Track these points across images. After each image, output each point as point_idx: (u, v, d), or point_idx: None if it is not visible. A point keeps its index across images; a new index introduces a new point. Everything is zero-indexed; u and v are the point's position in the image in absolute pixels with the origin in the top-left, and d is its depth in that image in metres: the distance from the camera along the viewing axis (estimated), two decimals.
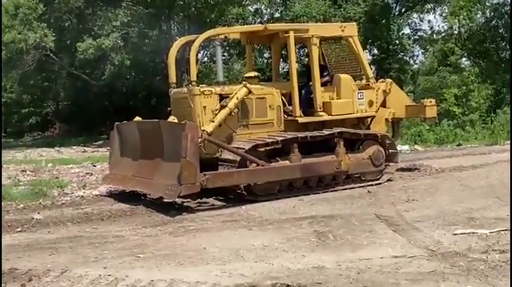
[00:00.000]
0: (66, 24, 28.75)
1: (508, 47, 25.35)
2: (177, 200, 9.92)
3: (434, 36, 29.49)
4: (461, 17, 25.85)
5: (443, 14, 28.34)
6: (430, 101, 12.19)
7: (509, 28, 24.36)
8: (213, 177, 9.04)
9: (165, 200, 9.46)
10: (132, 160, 10.31)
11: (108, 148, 12.24)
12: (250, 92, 9.85)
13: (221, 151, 9.67)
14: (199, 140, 8.91)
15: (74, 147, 24.55)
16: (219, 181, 9.15)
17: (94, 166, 15.02)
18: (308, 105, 10.80)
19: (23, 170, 14.46)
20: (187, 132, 8.59)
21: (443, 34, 28.83)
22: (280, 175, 9.71)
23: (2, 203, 9.92)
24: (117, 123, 11.08)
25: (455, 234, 6.91)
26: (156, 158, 9.57)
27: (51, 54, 26.45)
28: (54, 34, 25.23)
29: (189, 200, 9.83)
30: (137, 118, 10.85)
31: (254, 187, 9.53)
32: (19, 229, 8.13)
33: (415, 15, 29.62)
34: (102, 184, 11.45)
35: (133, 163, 10.22)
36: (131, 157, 10.38)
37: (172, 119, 10.08)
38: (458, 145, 18.15)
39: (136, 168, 10.08)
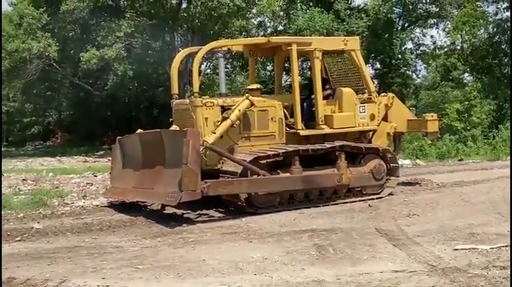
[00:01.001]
0: (70, 34, 28.85)
1: (510, 63, 25.38)
2: (176, 211, 9.97)
3: (437, 51, 29.53)
4: (464, 32, 25.95)
5: (446, 29, 28.40)
6: (432, 116, 12.19)
7: (510, 44, 24.41)
8: (214, 185, 9.03)
9: (165, 207, 9.43)
10: (134, 171, 10.32)
11: (110, 158, 12.25)
12: (252, 104, 9.87)
13: (222, 163, 9.67)
14: (201, 148, 8.90)
15: (75, 157, 24.60)
16: (220, 189, 9.14)
17: (95, 176, 15.03)
18: (310, 118, 10.81)
19: (23, 179, 14.47)
20: (188, 139, 8.59)
21: (445, 49, 28.92)
22: (281, 185, 9.71)
23: (2, 212, 9.93)
24: (119, 137, 11.10)
25: (455, 249, 6.89)
26: (158, 167, 9.57)
27: (55, 64, 26.55)
28: (57, 44, 25.35)
29: (189, 211, 9.84)
30: (139, 131, 10.87)
31: (254, 199, 9.52)
32: (18, 238, 8.12)
33: (417, 30, 29.68)
34: (103, 196, 11.44)
35: (135, 174, 10.22)
36: (133, 168, 10.40)
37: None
38: (459, 160, 18.14)
39: (137, 179, 10.09)
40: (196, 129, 9.37)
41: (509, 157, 17.20)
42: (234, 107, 9.77)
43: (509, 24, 25.47)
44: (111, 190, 11.01)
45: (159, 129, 10.33)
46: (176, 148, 8.89)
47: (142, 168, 10.10)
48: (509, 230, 7.37)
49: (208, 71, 30.27)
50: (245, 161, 9.40)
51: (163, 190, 9.14)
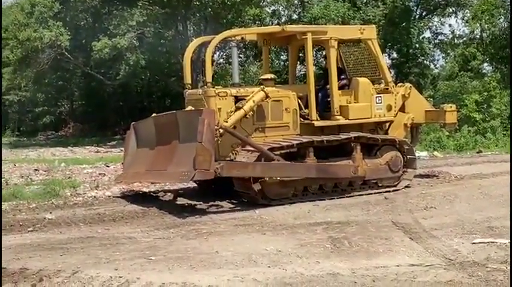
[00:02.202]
0: (82, 23, 29.01)
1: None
2: (189, 202, 10.01)
3: (456, 40, 29.33)
4: (483, 21, 25.67)
5: (465, 18, 28.17)
6: (451, 107, 12.10)
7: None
8: (227, 166, 9.04)
9: (177, 197, 9.39)
10: (147, 154, 10.34)
11: (122, 149, 12.30)
12: (267, 96, 9.84)
13: (235, 154, 9.68)
14: (216, 128, 8.90)
15: (88, 147, 24.74)
16: (233, 171, 9.15)
17: (107, 166, 15.11)
18: (325, 108, 10.77)
19: (35, 169, 14.59)
20: (204, 117, 8.60)
21: (464, 38, 28.68)
22: (295, 172, 9.69)
23: (14, 202, 10.04)
24: (133, 123, 11.14)
25: (474, 243, 6.86)
26: (171, 147, 9.57)
27: (66, 53, 26.70)
28: (69, 33, 25.48)
29: (201, 202, 9.88)
30: (154, 115, 10.90)
31: (268, 190, 9.52)
32: (30, 229, 8.20)
33: (436, 18, 29.50)
34: (115, 182, 11.54)
35: (148, 157, 10.24)
36: (146, 151, 10.42)
37: None
38: (478, 152, 17.98)
39: (150, 162, 10.10)
40: (212, 108, 9.33)
41: None
42: (248, 97, 9.75)
43: None
44: (122, 175, 11.07)
45: (174, 111, 10.34)
46: (191, 127, 8.87)
47: (156, 150, 10.12)
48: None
49: (221, 60, 30.30)
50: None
51: (177, 170, 9.15)
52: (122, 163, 11.65)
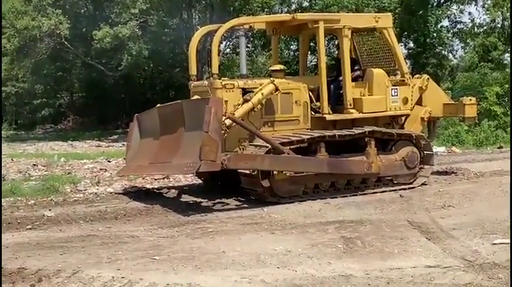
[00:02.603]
0: (82, 11, 29.07)
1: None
2: (194, 199, 10.03)
3: (475, 29, 29.16)
4: (505, 9, 25.50)
5: (486, 6, 27.99)
6: (470, 100, 12.03)
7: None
8: (235, 157, 9.04)
9: (182, 194, 9.36)
10: (151, 146, 10.35)
11: (124, 143, 12.34)
12: (277, 89, 9.82)
13: (242, 149, 9.68)
14: (223, 118, 8.91)
15: (88, 141, 24.86)
16: (241, 163, 9.14)
17: (108, 161, 15.18)
18: (337, 101, 10.74)
19: (34, 164, 14.66)
20: (211, 106, 8.58)
21: (485, 27, 28.52)
22: (305, 166, 9.67)
23: (12, 199, 10.11)
24: (137, 114, 11.16)
25: (494, 244, 6.83)
26: (176, 139, 9.57)
27: (66, 43, 26.78)
28: (69, 21, 25.55)
29: (207, 199, 9.89)
30: (159, 105, 10.94)
31: (277, 188, 9.52)
32: (29, 226, 8.24)
33: (454, 6, 29.30)
34: (118, 176, 11.58)
35: (152, 150, 10.26)
36: (150, 144, 10.44)
37: None
38: (499, 148, 17.90)
39: (153, 155, 10.12)
40: (220, 97, 9.33)
41: None
42: (257, 90, 9.74)
43: None
44: (125, 168, 11.11)
45: (179, 100, 10.36)
46: (197, 116, 8.84)
47: (160, 142, 10.12)
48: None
49: (228, 50, 30.25)
50: (267, 148, 9.37)
51: (181, 161, 9.15)
52: (124, 158, 11.69)
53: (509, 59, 27.62)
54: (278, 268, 6.12)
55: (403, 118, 11.33)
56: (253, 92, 9.75)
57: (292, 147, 9.65)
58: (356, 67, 11.22)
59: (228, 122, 9.22)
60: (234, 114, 9.53)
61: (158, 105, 10.89)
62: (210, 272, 6.02)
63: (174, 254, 6.67)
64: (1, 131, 20.77)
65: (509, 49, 27.07)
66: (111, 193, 10.74)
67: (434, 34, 27.15)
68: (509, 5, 25.29)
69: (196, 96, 10.08)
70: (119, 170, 11.61)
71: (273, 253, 6.65)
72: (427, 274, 5.82)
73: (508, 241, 6.90)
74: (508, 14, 25.91)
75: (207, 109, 8.54)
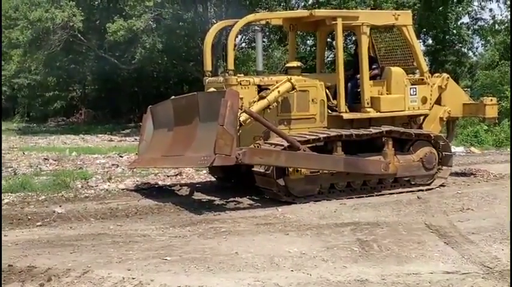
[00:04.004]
0: (96, 3, 29.17)
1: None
2: (207, 197, 10.00)
3: (497, 26, 28.85)
4: None
5: (507, 2, 27.67)
6: (491, 100, 11.91)
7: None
8: (250, 152, 8.96)
9: (194, 192, 9.37)
10: (164, 139, 10.32)
11: (136, 138, 12.34)
12: (294, 88, 9.75)
13: (257, 146, 9.62)
14: (239, 111, 8.85)
15: (100, 135, 24.94)
16: (256, 158, 9.05)
17: (121, 156, 15.20)
18: (354, 100, 10.66)
19: (45, 159, 14.75)
20: (227, 99, 8.49)
21: (506, 24, 28.17)
22: (322, 164, 9.59)
23: (23, 194, 10.15)
24: (150, 106, 11.14)
25: None
26: (190, 132, 9.51)
27: (79, 35, 26.85)
28: (82, 14, 25.60)
29: (220, 198, 9.86)
30: (173, 97, 10.91)
31: (292, 187, 9.46)
32: (39, 223, 8.26)
33: (475, 2, 29.02)
34: (129, 167, 11.58)
35: (165, 142, 10.23)
36: (163, 136, 10.41)
37: None
38: None
39: (166, 148, 10.09)
40: (236, 90, 9.25)
41: None
42: (273, 87, 9.67)
43: None
44: (137, 160, 11.10)
45: (194, 92, 10.31)
46: (212, 109, 8.76)
47: (174, 135, 10.08)
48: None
49: (244, 44, 30.21)
50: (283, 145, 9.31)
51: (195, 155, 9.09)
52: (136, 154, 11.69)
53: None
54: (292, 271, 6.07)
55: (422, 118, 11.22)
56: (269, 89, 9.69)
57: (308, 145, 9.58)
58: (374, 65, 11.12)
59: (243, 117, 9.16)
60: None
61: (172, 97, 10.87)
62: (222, 274, 5.98)
63: (186, 254, 6.64)
64: (1, 127, 20.89)
65: None
66: (122, 189, 10.75)
67: (454, 31, 26.94)
68: None
69: (212, 89, 10.02)
70: (131, 162, 11.63)
71: (287, 255, 6.60)
72: (445, 280, 5.75)
73: None
74: None
75: (223, 102, 8.47)
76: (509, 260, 6.35)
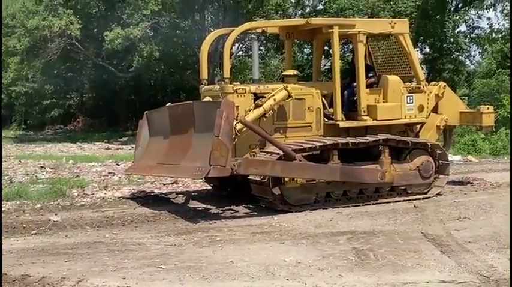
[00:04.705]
0: (94, 11, 29.18)
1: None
2: (203, 206, 9.98)
3: (494, 35, 28.91)
4: None
5: (505, 11, 27.78)
6: (488, 108, 11.92)
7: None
8: (245, 162, 8.98)
9: (190, 200, 9.38)
10: (160, 146, 10.33)
11: (133, 146, 12.36)
12: (290, 96, 9.76)
13: (253, 155, 9.63)
14: (235, 122, 8.86)
15: (97, 143, 24.96)
16: (251, 168, 9.08)
17: (117, 164, 15.19)
18: (351, 108, 10.67)
19: (42, 166, 14.73)
20: (222, 110, 8.52)
21: (503, 33, 28.27)
22: (317, 173, 9.60)
23: (18, 202, 10.13)
24: (147, 112, 11.14)
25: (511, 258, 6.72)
26: (186, 141, 9.53)
27: (77, 43, 26.89)
28: (80, 22, 25.65)
29: (216, 206, 9.85)
30: (169, 104, 10.90)
31: (288, 195, 9.46)
32: (34, 231, 8.24)
33: (473, 11, 29.14)
34: (125, 173, 11.58)
35: (161, 150, 10.24)
36: (159, 143, 10.41)
37: None
38: None
39: (163, 155, 10.09)
40: (232, 100, 9.28)
41: None
42: (269, 95, 9.68)
43: None
44: (133, 166, 11.09)
45: (190, 101, 10.30)
46: (208, 119, 8.81)
47: (169, 143, 10.09)
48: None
49: (240, 53, 30.27)
50: (278, 154, 9.31)
51: (190, 165, 9.10)
52: (133, 161, 11.68)
53: None
54: (287, 280, 6.05)
55: (419, 126, 11.23)
56: (265, 97, 9.70)
57: (304, 154, 9.58)
58: (370, 73, 11.13)
59: (239, 126, 9.18)
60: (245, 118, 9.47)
61: (169, 104, 10.87)
62: (217, 283, 5.97)
63: (181, 263, 6.62)
64: (0, 136, 20.93)
65: None
66: (118, 197, 10.74)
67: (451, 39, 27.04)
68: None
69: (207, 99, 10.04)
70: (127, 168, 11.64)
71: (283, 264, 6.58)
72: None
73: None
74: None
75: (219, 113, 8.50)
76: (505, 269, 6.34)
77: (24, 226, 8.50)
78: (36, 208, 9.84)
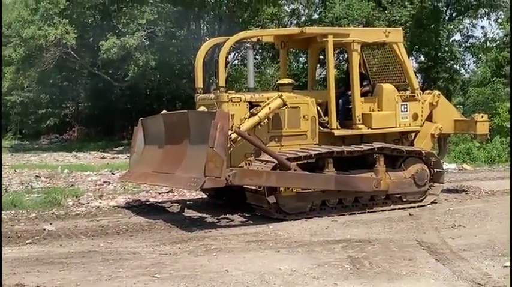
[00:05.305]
0: (89, 21, 29.21)
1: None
2: (198, 215, 9.97)
3: (488, 44, 29.06)
4: None
5: (499, 20, 27.92)
6: (482, 117, 11.96)
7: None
8: (240, 173, 9.00)
9: (185, 209, 9.39)
10: (155, 154, 10.34)
11: (129, 155, 12.35)
12: (285, 104, 9.79)
13: (248, 164, 9.64)
14: (230, 132, 8.87)
15: (93, 152, 24.92)
16: (246, 179, 9.10)
17: (112, 173, 15.17)
18: (346, 116, 10.69)
19: (37, 176, 14.71)
20: (217, 121, 8.54)
21: (498, 42, 28.43)
22: (312, 183, 9.62)
23: (13, 211, 10.11)
24: (142, 118, 11.14)
25: (505, 266, 6.72)
26: (181, 150, 9.54)
27: (72, 53, 26.90)
28: (76, 31, 25.67)
29: (211, 215, 9.84)
30: (164, 111, 10.90)
31: (283, 204, 9.46)
32: (29, 241, 8.21)
33: (467, 20, 29.25)
34: (121, 180, 11.55)
35: (156, 158, 10.24)
36: (154, 151, 10.42)
37: None
38: None
39: (158, 163, 10.09)
40: (227, 111, 9.29)
41: None
42: (264, 104, 9.70)
43: None
44: (128, 174, 11.07)
45: (185, 110, 10.32)
46: (203, 130, 8.83)
47: (164, 151, 10.11)
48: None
49: (236, 61, 30.33)
50: (273, 163, 9.31)
51: (185, 175, 9.11)
52: (129, 168, 11.67)
53: None
54: None
55: (413, 134, 11.26)
56: (260, 106, 9.72)
57: (299, 162, 9.59)
58: (365, 82, 11.17)
59: (234, 135, 9.19)
60: (240, 128, 9.49)
61: (164, 111, 10.88)
62: None
63: (176, 272, 6.60)
64: (1, 145, 20.91)
65: None
66: (113, 206, 10.72)
67: (446, 48, 27.08)
68: None
69: (202, 108, 10.05)
70: (122, 175, 11.63)
71: (278, 272, 6.57)
72: None
73: None
74: None
75: (213, 124, 8.51)
76: (499, 277, 6.34)
77: (19, 235, 8.48)
78: (31, 217, 9.81)
